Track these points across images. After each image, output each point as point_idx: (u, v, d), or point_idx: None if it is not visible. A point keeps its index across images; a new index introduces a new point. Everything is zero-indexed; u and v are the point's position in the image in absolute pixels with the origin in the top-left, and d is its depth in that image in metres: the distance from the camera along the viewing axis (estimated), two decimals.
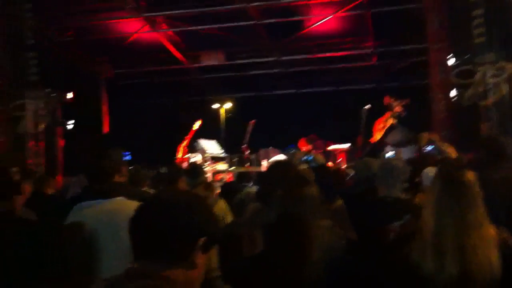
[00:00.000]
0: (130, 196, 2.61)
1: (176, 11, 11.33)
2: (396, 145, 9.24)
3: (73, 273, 2.28)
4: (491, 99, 7.48)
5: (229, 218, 4.15)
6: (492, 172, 3.55)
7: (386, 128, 9.63)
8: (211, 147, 11.33)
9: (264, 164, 10.25)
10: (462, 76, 7.80)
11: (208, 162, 10.62)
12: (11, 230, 2.54)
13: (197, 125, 11.60)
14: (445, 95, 8.72)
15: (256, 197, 3.54)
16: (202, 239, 1.45)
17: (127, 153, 13.65)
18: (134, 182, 4.52)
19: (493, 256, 2.01)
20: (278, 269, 2.21)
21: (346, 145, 10.73)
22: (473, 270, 1.98)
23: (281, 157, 10.75)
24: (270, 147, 11.41)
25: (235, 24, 11.72)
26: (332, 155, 10.60)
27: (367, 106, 9.51)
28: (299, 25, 12.21)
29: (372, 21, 11.50)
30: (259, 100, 15.78)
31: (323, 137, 11.59)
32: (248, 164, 11.04)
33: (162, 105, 16.57)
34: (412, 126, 9.35)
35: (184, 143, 11.56)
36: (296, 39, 12.88)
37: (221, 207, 4.33)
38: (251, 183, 6.29)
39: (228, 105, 13.73)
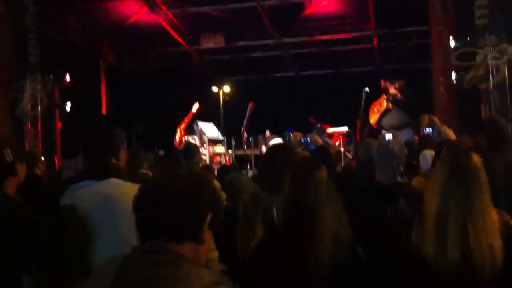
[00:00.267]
0: (127, 179, 2.55)
1: None
2: (391, 128, 9.18)
3: (70, 257, 2.24)
4: (491, 82, 7.43)
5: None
6: (495, 156, 3.52)
7: (381, 111, 9.54)
8: (210, 129, 11.29)
9: (263, 147, 10.23)
10: (463, 59, 7.73)
11: (206, 145, 10.58)
12: (6, 213, 2.50)
13: (195, 107, 11.55)
14: (446, 78, 8.65)
15: (253, 180, 3.50)
16: (209, 216, 1.47)
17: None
18: (133, 164, 4.48)
19: (496, 243, 1.99)
20: (288, 257, 2.20)
21: (344, 128, 10.69)
22: (474, 256, 1.96)
23: (278, 140, 10.74)
24: (267, 132, 11.35)
25: (235, 6, 11.59)
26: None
27: (366, 89, 9.42)
28: (300, 7, 12.08)
29: (373, 3, 11.37)
30: (258, 83, 15.69)
31: (321, 120, 11.55)
32: (246, 147, 11.01)
33: (161, 88, 16.50)
34: (411, 109, 9.26)
35: (183, 125, 11.53)
36: (296, 21, 12.76)
37: (218, 188, 4.30)
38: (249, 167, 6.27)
39: (227, 88, 13.65)
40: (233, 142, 11.37)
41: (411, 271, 2.10)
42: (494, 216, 2.05)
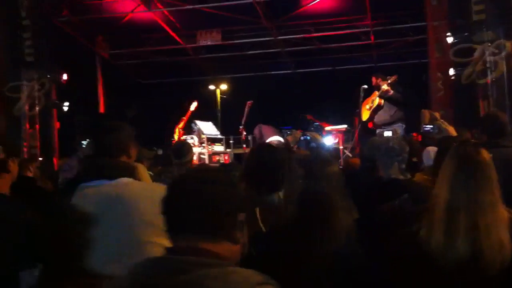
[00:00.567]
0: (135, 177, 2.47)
1: None
2: (383, 125, 9.17)
3: (71, 256, 2.21)
4: (489, 78, 7.44)
5: None
6: (493, 151, 3.52)
7: (373, 108, 9.51)
8: (208, 128, 11.27)
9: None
10: (461, 55, 7.73)
11: (205, 144, 10.56)
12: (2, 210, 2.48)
13: (193, 106, 11.52)
14: (443, 73, 8.65)
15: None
16: (242, 215, 1.46)
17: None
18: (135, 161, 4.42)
19: (505, 238, 1.99)
20: (300, 250, 2.19)
21: (342, 126, 10.69)
22: (484, 250, 1.96)
23: (277, 138, 10.71)
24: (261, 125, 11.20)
25: (232, 2, 11.57)
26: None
27: (364, 86, 9.41)
28: (297, 3, 12.06)
29: None
30: (255, 80, 15.66)
31: (319, 118, 11.55)
32: (245, 145, 10.98)
33: (158, 86, 16.47)
34: (404, 105, 9.24)
35: (181, 124, 11.50)
36: (293, 18, 12.74)
37: None
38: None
39: (224, 86, 13.61)
40: (231, 141, 11.34)
41: (418, 266, 2.10)
42: (503, 210, 2.06)
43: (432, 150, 3.74)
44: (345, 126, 10.67)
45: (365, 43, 13.88)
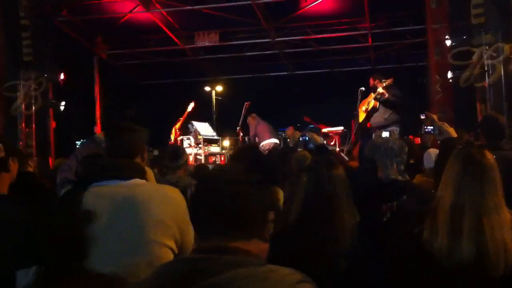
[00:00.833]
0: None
1: None
2: (378, 128, 9.16)
3: (72, 256, 2.17)
4: (487, 81, 7.45)
5: None
6: (493, 154, 3.52)
7: (368, 110, 9.50)
8: (204, 129, 11.25)
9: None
10: (459, 57, 7.74)
11: (201, 145, 10.55)
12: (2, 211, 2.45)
13: (190, 107, 11.51)
14: (442, 76, 8.66)
15: None
16: (272, 213, 1.46)
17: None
18: None
19: (509, 239, 1.98)
20: (306, 249, 2.18)
21: (339, 128, 10.69)
22: (489, 251, 1.95)
23: (272, 141, 10.71)
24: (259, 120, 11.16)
25: (231, 4, 11.56)
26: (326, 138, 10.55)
27: (362, 89, 9.41)
28: (295, 5, 12.06)
29: (368, 1, 11.36)
30: (253, 81, 15.66)
31: (317, 120, 11.55)
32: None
33: (155, 86, 16.45)
34: (400, 107, 9.24)
35: (178, 125, 11.48)
36: (291, 19, 12.74)
37: None
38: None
39: (219, 88, 13.60)
40: (227, 142, 11.33)
41: (420, 267, 2.09)
42: (506, 212, 2.05)
43: (433, 152, 3.73)
44: (342, 128, 10.67)
45: (363, 45, 13.90)
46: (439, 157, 3.05)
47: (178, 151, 4.73)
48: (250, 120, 11.26)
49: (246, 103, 10.92)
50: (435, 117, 3.43)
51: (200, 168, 5.87)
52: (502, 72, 7.38)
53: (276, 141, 10.88)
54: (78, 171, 2.79)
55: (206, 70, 15.84)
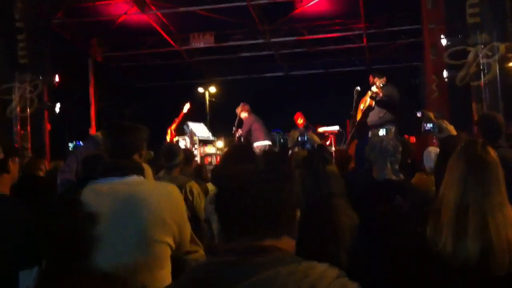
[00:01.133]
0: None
1: None
2: (372, 127, 9.15)
3: (72, 256, 2.15)
4: (483, 80, 7.47)
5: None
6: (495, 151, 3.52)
7: (364, 108, 9.49)
8: (200, 130, 11.23)
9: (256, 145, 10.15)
10: (455, 57, 7.76)
11: (197, 145, 10.53)
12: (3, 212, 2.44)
13: (186, 108, 11.49)
14: (438, 76, 8.68)
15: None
16: (299, 210, 1.45)
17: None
18: None
19: None
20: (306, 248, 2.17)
21: (335, 128, 10.67)
22: (494, 249, 1.94)
23: (266, 142, 10.68)
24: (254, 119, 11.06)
25: (225, 5, 11.55)
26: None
27: (358, 88, 9.40)
28: (290, 6, 12.07)
29: (363, 1, 11.38)
30: (249, 82, 15.66)
31: (312, 120, 11.54)
32: None
33: (151, 88, 16.42)
34: (395, 106, 9.23)
35: (173, 126, 11.46)
36: (286, 20, 12.75)
37: (211, 189, 4.30)
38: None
39: (216, 88, 13.57)
40: (222, 143, 11.30)
41: (423, 266, 2.08)
42: (510, 210, 2.04)
43: (433, 150, 3.72)
44: (337, 128, 10.65)
45: (358, 46, 13.92)
46: (440, 156, 3.04)
47: (173, 150, 4.69)
48: (243, 112, 10.96)
49: (242, 103, 10.87)
50: (431, 114, 3.42)
51: (213, 170, 5.82)
52: (498, 71, 7.40)
53: (270, 143, 10.84)
54: (79, 172, 2.78)
55: (202, 72, 15.82)
